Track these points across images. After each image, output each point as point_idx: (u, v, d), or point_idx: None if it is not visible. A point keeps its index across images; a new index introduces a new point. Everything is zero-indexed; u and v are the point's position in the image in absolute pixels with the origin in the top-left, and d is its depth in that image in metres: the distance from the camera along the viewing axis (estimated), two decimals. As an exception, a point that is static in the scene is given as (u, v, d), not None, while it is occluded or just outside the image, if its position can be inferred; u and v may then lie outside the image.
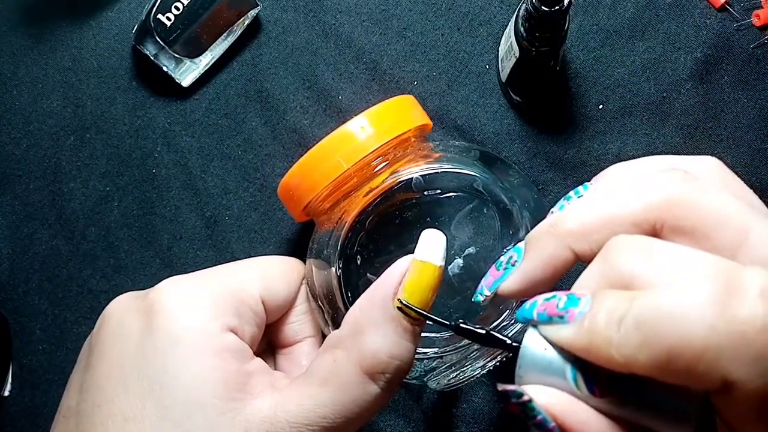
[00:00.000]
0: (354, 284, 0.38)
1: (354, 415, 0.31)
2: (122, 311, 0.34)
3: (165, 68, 0.46)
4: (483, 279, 0.32)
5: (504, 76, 0.45)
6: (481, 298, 0.32)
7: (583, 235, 0.28)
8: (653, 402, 0.25)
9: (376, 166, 0.38)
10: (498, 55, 0.46)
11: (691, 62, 0.47)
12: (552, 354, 0.26)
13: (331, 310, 0.37)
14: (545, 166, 0.46)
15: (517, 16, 0.41)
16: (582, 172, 0.46)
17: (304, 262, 0.40)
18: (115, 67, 0.48)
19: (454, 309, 0.38)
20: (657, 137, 0.46)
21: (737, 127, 0.46)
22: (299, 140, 0.47)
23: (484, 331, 0.30)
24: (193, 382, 0.31)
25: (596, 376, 0.25)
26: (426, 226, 0.33)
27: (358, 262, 0.38)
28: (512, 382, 0.27)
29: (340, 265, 0.37)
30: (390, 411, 0.45)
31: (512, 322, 0.38)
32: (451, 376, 0.38)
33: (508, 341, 0.29)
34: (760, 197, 0.28)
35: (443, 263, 0.32)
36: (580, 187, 0.31)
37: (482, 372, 0.38)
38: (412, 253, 0.32)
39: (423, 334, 0.37)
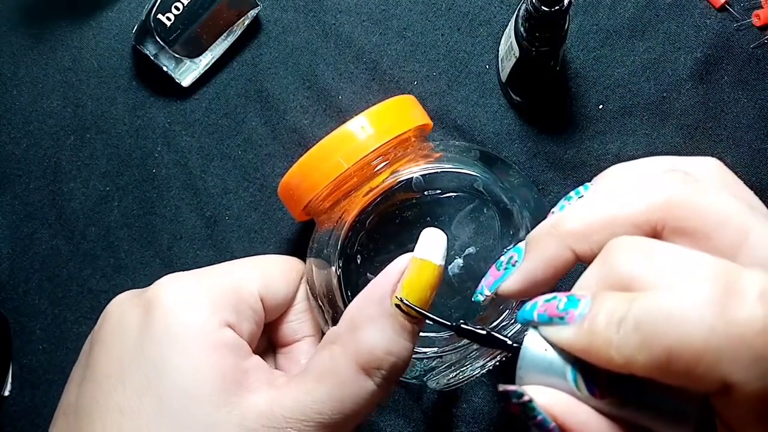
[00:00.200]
0: (354, 284, 0.38)
1: (350, 411, 0.31)
2: (122, 307, 0.34)
3: (165, 68, 0.46)
4: (483, 279, 0.32)
5: (504, 76, 0.45)
6: (481, 298, 0.32)
7: (583, 235, 0.28)
8: (653, 403, 0.25)
9: (376, 166, 0.38)
10: (498, 55, 0.46)
11: (691, 62, 0.47)
12: (552, 355, 0.26)
13: (331, 310, 0.37)
14: (545, 166, 0.46)
15: (517, 16, 0.41)
16: (582, 172, 0.46)
17: (304, 261, 0.40)
18: (115, 67, 0.48)
19: (454, 309, 0.38)
20: (657, 137, 0.46)
21: (737, 127, 0.46)
22: (299, 140, 0.47)
23: (484, 332, 0.30)
24: (190, 376, 0.31)
25: (596, 377, 0.25)
26: (426, 226, 0.33)
27: (358, 261, 0.38)
28: (513, 382, 0.27)
29: (340, 265, 0.37)
30: (390, 411, 0.45)
31: (512, 321, 0.38)
32: (450, 376, 0.38)
33: (509, 342, 0.29)
34: (760, 197, 0.28)
35: (443, 262, 0.33)
36: (580, 188, 0.31)
37: (482, 372, 0.38)
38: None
39: (423, 334, 0.37)
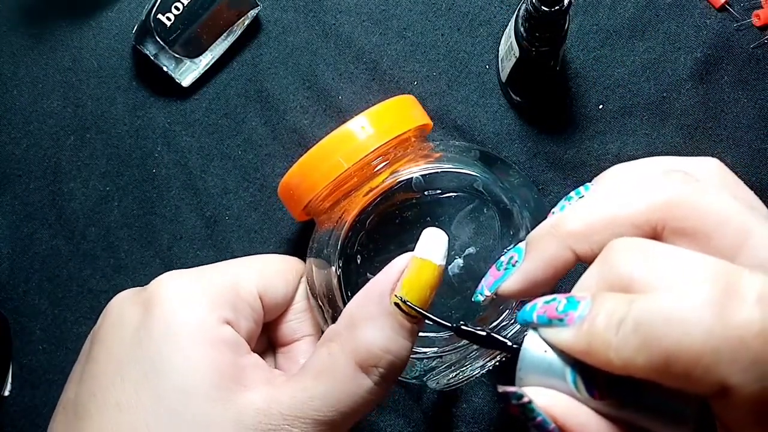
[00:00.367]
0: (354, 283, 0.38)
1: (347, 409, 0.31)
2: (122, 305, 0.35)
3: (165, 68, 0.46)
4: (483, 279, 0.32)
5: (504, 76, 0.45)
6: (481, 298, 0.32)
7: (584, 236, 0.28)
8: (652, 404, 0.25)
9: (376, 166, 0.38)
10: (498, 55, 0.46)
11: (691, 62, 0.46)
12: (552, 356, 0.26)
13: (331, 309, 0.37)
14: (545, 166, 0.46)
15: (517, 16, 0.41)
16: (582, 172, 0.46)
17: (304, 261, 0.40)
18: (115, 67, 0.48)
19: (454, 309, 0.38)
20: (657, 137, 0.46)
21: (737, 127, 0.46)
22: (299, 140, 0.47)
23: (484, 333, 0.30)
24: (187, 371, 0.31)
25: (596, 379, 0.25)
26: (426, 226, 0.33)
27: (358, 261, 0.38)
28: (512, 383, 0.27)
29: (340, 265, 0.37)
30: (390, 411, 0.45)
31: (512, 322, 0.38)
32: (450, 376, 0.38)
33: (509, 343, 0.29)
34: (760, 197, 0.28)
35: (443, 262, 0.32)
36: (581, 188, 0.31)
37: (482, 372, 0.38)
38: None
39: (422, 334, 0.37)
